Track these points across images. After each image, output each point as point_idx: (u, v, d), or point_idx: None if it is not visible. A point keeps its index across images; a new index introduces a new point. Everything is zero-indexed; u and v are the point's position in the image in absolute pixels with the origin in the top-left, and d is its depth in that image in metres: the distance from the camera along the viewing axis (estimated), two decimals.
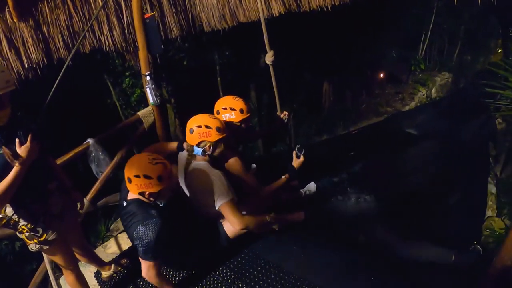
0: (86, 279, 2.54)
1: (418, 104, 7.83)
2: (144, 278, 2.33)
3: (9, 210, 1.99)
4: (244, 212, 2.57)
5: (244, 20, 3.86)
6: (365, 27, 7.34)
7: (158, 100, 3.40)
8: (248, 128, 2.95)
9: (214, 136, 2.48)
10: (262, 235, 2.78)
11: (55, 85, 3.09)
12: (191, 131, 2.51)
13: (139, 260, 2.19)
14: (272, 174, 2.97)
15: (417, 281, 2.69)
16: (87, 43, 3.60)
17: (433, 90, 8.19)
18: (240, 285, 2.53)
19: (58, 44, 3.48)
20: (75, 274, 2.39)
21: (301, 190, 3.39)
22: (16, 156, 1.78)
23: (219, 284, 2.57)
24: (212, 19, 3.91)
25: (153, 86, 3.30)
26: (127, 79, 5.63)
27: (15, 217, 1.99)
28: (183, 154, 2.65)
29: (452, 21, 8.30)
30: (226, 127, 2.61)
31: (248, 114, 2.81)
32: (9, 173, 1.78)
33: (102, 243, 3.63)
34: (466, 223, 3.67)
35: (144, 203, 2.16)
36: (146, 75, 3.27)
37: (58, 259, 2.28)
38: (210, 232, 2.62)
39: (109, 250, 3.35)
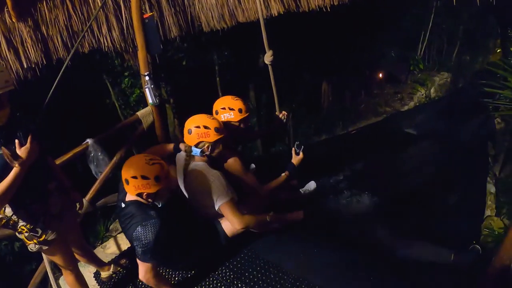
0: (86, 279, 2.54)
1: (417, 104, 7.85)
2: None
3: (8, 211, 1.99)
4: (244, 212, 2.57)
5: (243, 20, 3.86)
6: (364, 27, 7.35)
7: (157, 100, 3.39)
8: (247, 128, 2.95)
9: (213, 136, 2.48)
10: (262, 235, 2.78)
11: (54, 85, 3.08)
12: (190, 132, 2.50)
13: None
14: (271, 174, 2.97)
15: (416, 280, 2.69)
16: (86, 43, 3.60)
17: (432, 90, 8.21)
18: (240, 285, 2.53)
19: (57, 44, 3.47)
20: (74, 274, 2.39)
21: (300, 190, 3.40)
22: (15, 157, 1.78)
23: (219, 284, 2.57)
24: (211, 19, 3.92)
25: (152, 86, 3.30)
26: (126, 79, 5.62)
27: (14, 217, 1.99)
28: (181, 155, 2.65)
29: (451, 21, 8.32)
30: (225, 127, 2.61)
31: (247, 114, 2.81)
32: (8, 173, 1.78)
33: (101, 243, 3.63)
34: (465, 222, 3.68)
35: (142, 204, 2.16)
36: (145, 75, 3.27)
37: (57, 259, 2.28)
38: (209, 231, 2.62)
39: (108, 250, 3.35)
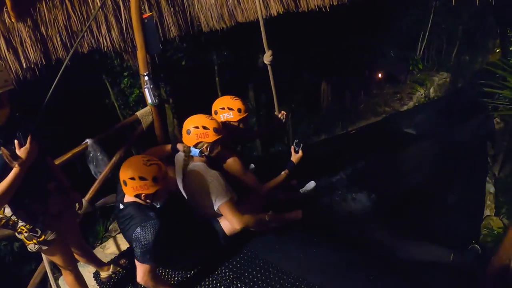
0: (85, 279, 2.54)
1: (416, 104, 7.86)
2: None
3: (7, 211, 1.98)
4: (244, 211, 2.56)
5: (243, 20, 3.85)
6: (363, 27, 7.35)
7: (157, 100, 3.39)
8: (246, 128, 2.95)
9: (212, 136, 2.48)
10: (261, 234, 2.78)
11: (54, 85, 3.08)
12: (188, 132, 2.50)
13: None
14: (270, 174, 2.97)
15: (416, 280, 2.69)
16: (85, 43, 3.59)
17: (431, 90, 8.22)
18: (239, 285, 2.53)
19: (56, 44, 3.47)
20: (74, 275, 2.39)
21: (300, 190, 3.40)
22: (15, 157, 1.77)
23: (218, 284, 2.57)
24: (211, 19, 3.91)
25: (152, 86, 3.30)
26: (126, 79, 5.61)
27: (14, 217, 1.99)
28: (180, 156, 2.65)
29: (450, 21, 8.33)
30: (224, 127, 2.61)
31: (246, 114, 2.81)
32: (8, 173, 1.78)
33: (101, 243, 3.63)
34: (464, 222, 3.69)
35: (141, 206, 2.16)
36: (144, 75, 3.27)
37: (57, 260, 2.28)
38: (208, 232, 2.62)
39: (107, 250, 3.34)
